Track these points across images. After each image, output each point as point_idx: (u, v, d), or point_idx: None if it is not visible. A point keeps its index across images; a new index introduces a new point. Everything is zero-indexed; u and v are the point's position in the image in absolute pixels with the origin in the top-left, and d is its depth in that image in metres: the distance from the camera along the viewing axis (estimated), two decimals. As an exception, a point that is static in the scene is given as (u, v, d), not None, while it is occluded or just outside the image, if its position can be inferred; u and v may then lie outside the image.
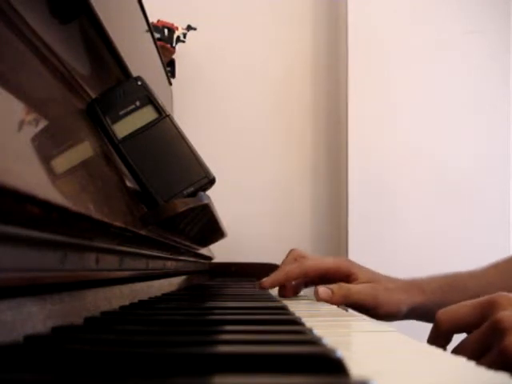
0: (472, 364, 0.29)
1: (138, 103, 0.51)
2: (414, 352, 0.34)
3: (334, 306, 0.70)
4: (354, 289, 0.77)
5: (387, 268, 0.85)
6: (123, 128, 0.50)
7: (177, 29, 1.49)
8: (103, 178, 0.41)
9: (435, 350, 0.34)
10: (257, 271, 1.28)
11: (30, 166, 0.27)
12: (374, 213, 1.54)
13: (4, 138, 0.25)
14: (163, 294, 0.64)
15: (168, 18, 1.49)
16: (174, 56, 1.50)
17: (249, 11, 1.71)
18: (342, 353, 0.23)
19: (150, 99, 0.52)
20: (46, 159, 0.29)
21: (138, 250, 0.51)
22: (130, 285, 0.51)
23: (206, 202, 0.53)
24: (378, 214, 1.54)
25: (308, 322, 0.39)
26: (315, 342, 0.27)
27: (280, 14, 1.72)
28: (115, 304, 0.45)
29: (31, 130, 0.30)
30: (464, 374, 0.27)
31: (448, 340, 0.49)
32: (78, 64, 0.49)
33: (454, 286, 0.79)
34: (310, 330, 0.32)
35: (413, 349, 0.35)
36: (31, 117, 0.31)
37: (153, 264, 0.58)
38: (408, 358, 0.32)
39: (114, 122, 0.50)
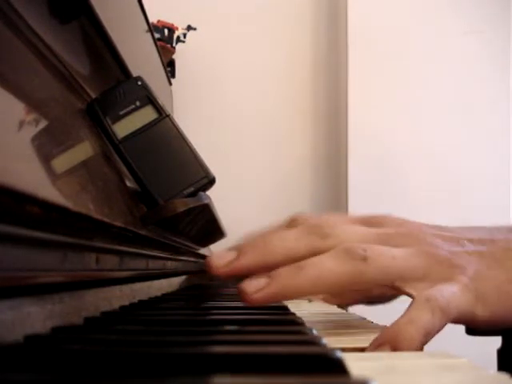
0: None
1: (138, 103, 0.51)
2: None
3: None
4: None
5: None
6: (123, 128, 0.50)
7: (177, 29, 1.49)
8: (103, 177, 0.41)
9: None
10: (257, 271, 1.27)
11: (30, 166, 0.27)
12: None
13: (4, 138, 0.25)
14: (163, 294, 0.64)
15: (168, 18, 1.49)
16: (174, 56, 1.50)
17: (249, 11, 1.71)
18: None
19: (150, 99, 0.52)
20: (46, 159, 0.29)
21: (138, 250, 0.51)
22: (130, 285, 0.51)
23: (206, 201, 0.53)
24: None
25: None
26: (315, 342, 0.27)
27: (280, 14, 1.72)
28: (115, 304, 0.45)
29: (31, 130, 0.30)
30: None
31: None
32: (78, 64, 0.49)
33: None
34: (310, 330, 0.32)
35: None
36: (31, 117, 0.31)
37: (153, 264, 0.58)
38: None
39: (114, 121, 0.50)
